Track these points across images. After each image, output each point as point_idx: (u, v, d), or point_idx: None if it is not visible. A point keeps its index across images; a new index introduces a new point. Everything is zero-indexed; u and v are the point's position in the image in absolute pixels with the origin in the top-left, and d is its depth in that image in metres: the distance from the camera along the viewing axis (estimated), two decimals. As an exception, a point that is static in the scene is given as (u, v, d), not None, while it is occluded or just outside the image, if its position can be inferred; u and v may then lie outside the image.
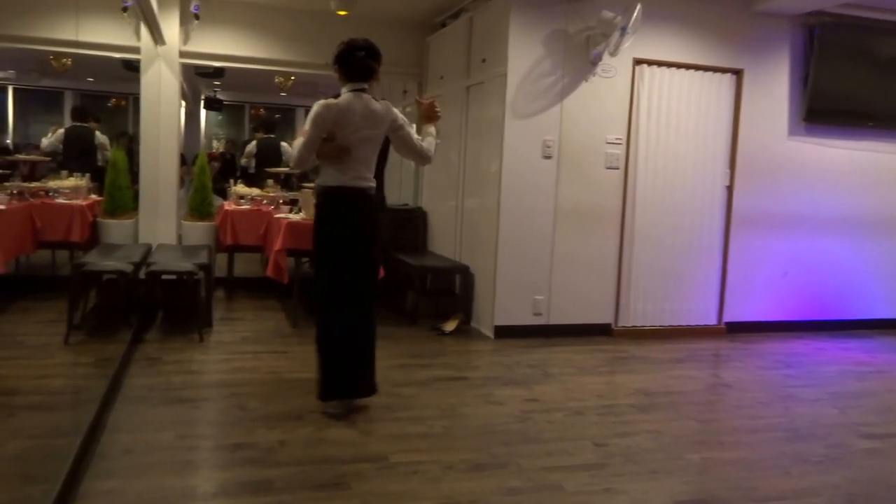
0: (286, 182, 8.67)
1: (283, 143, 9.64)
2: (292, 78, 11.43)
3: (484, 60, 6.30)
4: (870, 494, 3.39)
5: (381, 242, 4.21)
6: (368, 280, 4.08)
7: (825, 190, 6.76)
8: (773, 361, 5.79)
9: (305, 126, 4.00)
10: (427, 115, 4.27)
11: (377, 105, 3.99)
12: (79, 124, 8.49)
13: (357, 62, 3.99)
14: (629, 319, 6.29)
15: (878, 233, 6.98)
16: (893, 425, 4.39)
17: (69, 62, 8.99)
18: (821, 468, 3.64)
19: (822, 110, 6.61)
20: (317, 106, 3.92)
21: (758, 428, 4.23)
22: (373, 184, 4.06)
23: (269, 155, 9.34)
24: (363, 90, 4.00)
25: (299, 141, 3.97)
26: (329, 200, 4.01)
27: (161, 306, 6.10)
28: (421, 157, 4.18)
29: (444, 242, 7.17)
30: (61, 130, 8.34)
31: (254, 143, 9.66)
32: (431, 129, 4.23)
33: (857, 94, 6.70)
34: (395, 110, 4.07)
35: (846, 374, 5.58)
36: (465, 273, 6.49)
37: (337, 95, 4.04)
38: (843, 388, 5.19)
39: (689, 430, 4.13)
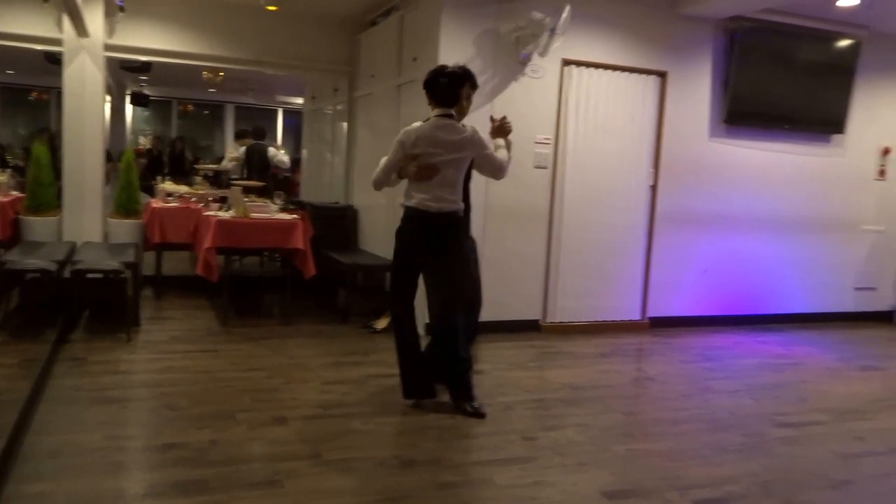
0: (216, 180, 8.60)
1: (271, 149, 9.63)
2: (221, 74, 11.27)
3: (415, 59, 6.32)
4: (785, 480, 3.55)
5: (468, 264, 4.40)
6: (448, 295, 4.19)
7: (744, 190, 7.00)
8: (693, 355, 5.98)
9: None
10: (499, 130, 4.43)
11: (462, 129, 4.09)
12: None
13: (441, 89, 4.12)
14: (557, 315, 6.41)
15: (793, 230, 7.26)
16: (807, 414, 4.60)
17: (-14, 54, 8.72)
18: (739, 456, 3.80)
19: (741, 112, 6.83)
20: (401, 133, 4.09)
21: (680, 419, 4.38)
22: (458, 206, 4.15)
23: (257, 160, 9.54)
24: (449, 115, 4.11)
25: (383, 161, 4.17)
26: (409, 221, 4.16)
27: (87, 305, 5.97)
28: (501, 171, 4.31)
29: (375, 240, 7.18)
30: None
31: (243, 148, 9.64)
32: (501, 141, 4.40)
33: (775, 97, 6.93)
34: (480, 134, 4.16)
35: (763, 366, 5.80)
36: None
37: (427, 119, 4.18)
38: (759, 379, 5.40)
39: (615, 422, 4.25)
